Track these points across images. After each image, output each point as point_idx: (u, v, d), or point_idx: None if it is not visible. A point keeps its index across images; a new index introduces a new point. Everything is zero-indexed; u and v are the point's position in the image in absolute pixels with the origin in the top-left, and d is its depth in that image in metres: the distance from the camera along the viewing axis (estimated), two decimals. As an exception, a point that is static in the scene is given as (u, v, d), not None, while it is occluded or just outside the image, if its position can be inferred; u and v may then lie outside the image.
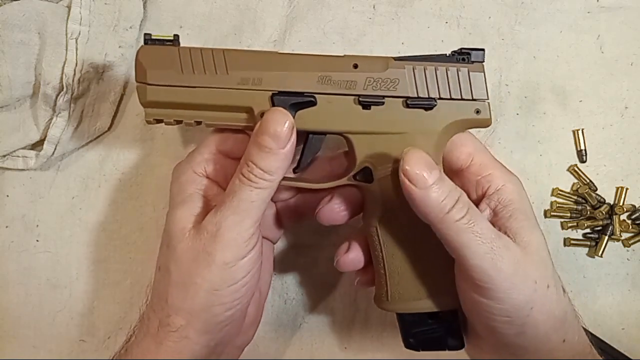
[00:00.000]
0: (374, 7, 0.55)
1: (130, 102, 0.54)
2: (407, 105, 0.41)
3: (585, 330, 0.51)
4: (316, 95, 0.41)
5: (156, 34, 0.41)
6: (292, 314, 0.55)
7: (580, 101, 0.55)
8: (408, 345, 0.45)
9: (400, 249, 0.43)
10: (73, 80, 0.50)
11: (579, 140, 0.54)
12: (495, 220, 0.41)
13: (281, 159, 0.39)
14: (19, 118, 0.52)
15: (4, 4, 0.50)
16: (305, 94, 0.41)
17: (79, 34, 0.51)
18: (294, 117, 0.41)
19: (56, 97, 0.50)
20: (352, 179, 0.43)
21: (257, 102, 0.41)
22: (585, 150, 0.54)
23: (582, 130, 0.54)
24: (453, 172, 0.44)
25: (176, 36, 0.41)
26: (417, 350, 0.44)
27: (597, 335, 0.52)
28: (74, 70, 0.50)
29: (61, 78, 0.50)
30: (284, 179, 0.42)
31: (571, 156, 0.55)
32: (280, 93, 0.41)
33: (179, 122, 0.42)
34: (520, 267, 0.38)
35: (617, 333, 0.54)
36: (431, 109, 0.41)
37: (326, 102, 0.41)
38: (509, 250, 0.38)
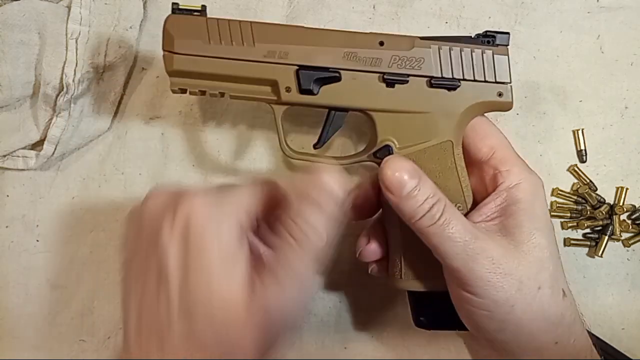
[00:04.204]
0: (374, 7, 0.55)
1: (131, 101, 0.54)
2: (431, 85, 0.42)
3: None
4: (341, 71, 0.42)
5: (184, 4, 0.41)
6: (292, 314, 0.55)
7: (580, 101, 0.55)
8: (418, 324, 0.45)
9: None
10: (73, 80, 0.50)
11: (579, 140, 0.54)
12: (500, 217, 0.41)
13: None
14: (19, 118, 0.52)
15: (4, 4, 0.50)
16: (331, 70, 0.41)
17: (79, 34, 0.51)
18: (318, 93, 0.42)
19: (56, 97, 0.50)
20: (373, 157, 0.43)
21: (282, 75, 0.41)
22: (585, 150, 0.54)
23: (582, 130, 0.54)
24: (473, 163, 0.45)
25: (204, 7, 0.42)
26: (427, 329, 0.45)
27: (597, 335, 0.52)
28: (74, 70, 0.50)
29: (61, 78, 0.50)
30: (303, 154, 0.45)
31: (571, 156, 0.55)
32: (306, 67, 0.41)
33: (203, 92, 0.42)
34: (499, 267, 0.38)
35: (617, 333, 0.54)
36: (454, 89, 0.42)
37: (351, 78, 0.42)
38: (486, 251, 0.38)
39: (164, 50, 0.41)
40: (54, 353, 0.54)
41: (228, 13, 0.55)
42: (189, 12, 0.41)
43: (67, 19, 0.51)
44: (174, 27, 0.41)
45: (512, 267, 0.38)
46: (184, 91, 0.42)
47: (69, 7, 0.51)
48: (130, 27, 0.52)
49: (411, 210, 0.38)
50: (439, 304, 0.43)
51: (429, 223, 0.38)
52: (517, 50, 0.55)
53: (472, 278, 0.38)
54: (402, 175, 0.38)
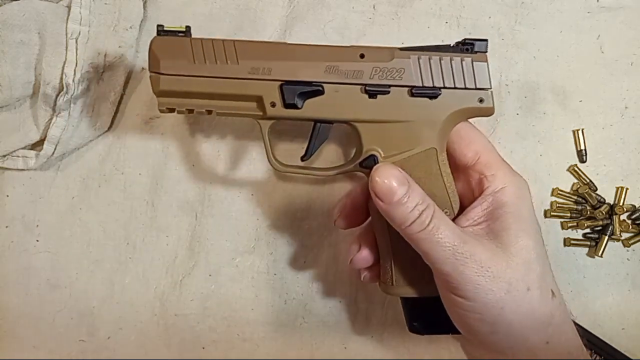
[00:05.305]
0: (374, 7, 0.55)
1: (130, 101, 0.54)
2: (412, 94, 0.43)
3: (584, 329, 0.51)
4: (324, 85, 0.42)
5: (168, 25, 0.42)
6: (292, 314, 0.55)
7: (580, 101, 0.55)
8: (412, 329, 0.46)
9: None
10: (73, 80, 0.50)
11: (579, 140, 0.54)
12: (486, 221, 0.42)
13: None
14: (19, 118, 0.52)
15: (4, 4, 0.50)
16: (313, 84, 0.42)
17: (79, 34, 0.51)
18: (302, 106, 0.42)
19: (56, 97, 0.50)
20: (358, 166, 0.44)
21: (266, 91, 0.42)
22: (585, 150, 0.54)
23: (582, 130, 0.54)
24: (458, 168, 0.45)
25: (188, 27, 0.42)
26: (421, 334, 0.45)
27: (597, 335, 0.52)
28: (74, 70, 0.50)
29: (61, 78, 0.50)
30: (291, 167, 0.45)
31: (571, 156, 0.55)
32: (289, 82, 0.42)
33: (190, 111, 0.43)
34: (488, 270, 0.39)
35: (617, 333, 0.54)
36: (436, 97, 0.43)
37: (333, 91, 0.42)
38: (474, 254, 0.39)
39: (150, 71, 0.42)
40: (54, 353, 0.54)
41: (228, 13, 0.55)
42: (174, 33, 0.42)
43: (67, 19, 0.51)
44: (160, 48, 0.42)
45: (501, 269, 0.39)
46: (172, 110, 0.43)
47: (69, 7, 0.51)
48: (130, 27, 0.52)
49: (401, 216, 0.39)
50: (431, 309, 0.43)
51: (418, 229, 0.39)
52: (517, 50, 0.55)
53: (462, 282, 0.39)
54: (391, 183, 0.39)
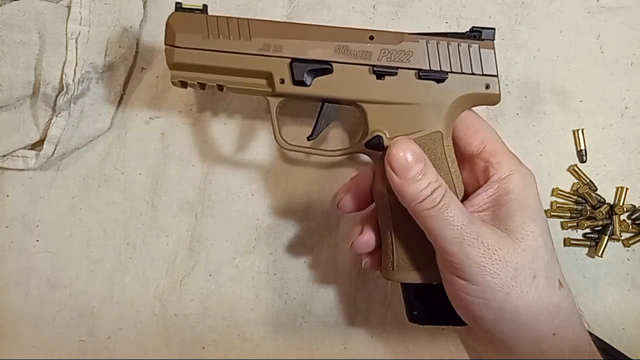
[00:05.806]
0: (374, 7, 0.55)
1: (130, 101, 0.54)
2: (420, 77, 0.43)
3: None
4: (332, 64, 0.43)
5: (187, 3, 0.43)
6: (292, 314, 0.55)
7: (580, 101, 0.55)
8: (412, 319, 0.45)
9: (407, 218, 0.43)
10: (73, 80, 0.50)
11: (579, 140, 0.54)
12: (492, 207, 0.42)
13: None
14: (19, 118, 0.52)
15: (4, 4, 0.50)
16: (322, 62, 0.43)
17: (79, 34, 0.51)
18: (310, 84, 0.43)
19: (56, 97, 0.50)
20: (364, 147, 0.44)
21: (276, 67, 0.43)
22: (585, 150, 0.54)
23: (582, 130, 0.54)
24: (464, 157, 0.45)
25: (205, 6, 0.43)
26: (422, 324, 0.45)
27: (597, 335, 0.52)
28: (74, 70, 0.50)
29: (61, 78, 0.50)
30: (297, 146, 0.46)
31: (571, 156, 0.55)
32: (299, 60, 0.43)
33: (202, 86, 0.44)
34: (494, 253, 0.38)
35: (617, 333, 0.54)
36: (442, 81, 0.43)
37: (342, 70, 0.43)
38: (481, 236, 0.39)
39: (165, 44, 0.43)
40: (54, 353, 0.54)
41: (228, 13, 0.54)
42: (191, 10, 0.43)
43: (67, 19, 0.51)
44: (176, 23, 0.43)
45: (507, 253, 0.39)
46: (184, 84, 0.44)
47: (69, 7, 0.51)
48: (130, 27, 0.53)
49: (413, 193, 0.39)
50: (432, 297, 0.43)
51: (429, 206, 0.39)
52: (517, 50, 0.55)
53: (467, 263, 0.38)
54: (409, 157, 0.39)
